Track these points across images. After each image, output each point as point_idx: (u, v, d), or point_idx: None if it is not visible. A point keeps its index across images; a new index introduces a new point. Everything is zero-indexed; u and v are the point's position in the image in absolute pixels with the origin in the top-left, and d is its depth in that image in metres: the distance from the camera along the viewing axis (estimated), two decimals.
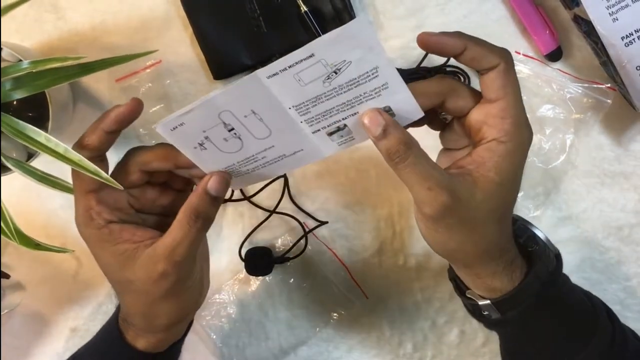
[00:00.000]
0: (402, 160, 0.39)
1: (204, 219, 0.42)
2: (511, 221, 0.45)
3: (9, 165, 0.50)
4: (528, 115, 0.62)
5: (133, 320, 0.48)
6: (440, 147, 0.48)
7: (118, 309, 0.51)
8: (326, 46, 0.35)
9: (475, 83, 0.63)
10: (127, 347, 0.48)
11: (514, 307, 0.45)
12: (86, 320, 0.69)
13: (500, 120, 0.41)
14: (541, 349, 0.47)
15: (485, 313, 0.46)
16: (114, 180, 0.44)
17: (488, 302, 0.45)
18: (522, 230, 0.48)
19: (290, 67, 0.36)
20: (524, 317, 0.45)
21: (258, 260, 0.66)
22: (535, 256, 0.46)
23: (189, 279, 0.45)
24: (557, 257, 0.48)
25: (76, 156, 0.47)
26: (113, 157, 0.66)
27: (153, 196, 0.48)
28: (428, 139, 0.45)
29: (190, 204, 0.42)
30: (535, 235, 0.48)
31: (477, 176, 0.40)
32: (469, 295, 0.47)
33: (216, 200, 0.43)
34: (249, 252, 0.66)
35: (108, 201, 0.44)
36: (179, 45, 0.64)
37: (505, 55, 0.40)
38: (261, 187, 0.65)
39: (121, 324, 0.50)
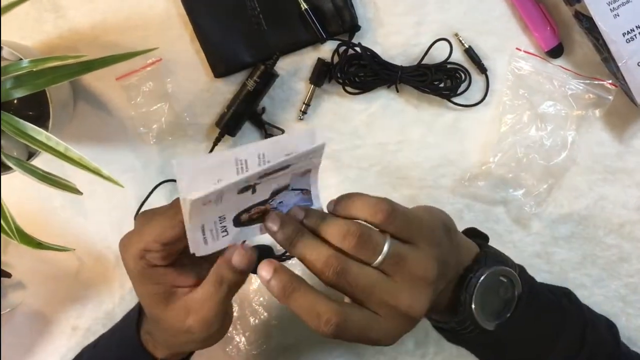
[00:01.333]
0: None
1: (229, 285, 0.42)
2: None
3: (10, 164, 0.50)
4: (529, 112, 0.62)
5: (157, 339, 0.49)
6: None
7: (136, 314, 0.52)
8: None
9: (476, 81, 0.63)
10: (148, 357, 0.50)
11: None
12: (87, 319, 0.69)
13: None
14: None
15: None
16: (117, 180, 0.44)
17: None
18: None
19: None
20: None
21: (259, 259, 0.66)
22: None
23: (216, 333, 0.45)
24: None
25: (76, 155, 0.47)
26: (114, 156, 0.66)
27: None
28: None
29: (216, 270, 0.42)
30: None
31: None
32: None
33: (240, 272, 0.42)
34: None
35: (169, 251, 0.43)
36: (179, 43, 0.64)
37: None
38: None
39: (143, 336, 0.50)
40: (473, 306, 0.45)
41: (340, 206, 0.43)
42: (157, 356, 0.49)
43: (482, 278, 0.45)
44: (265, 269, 0.40)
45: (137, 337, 0.50)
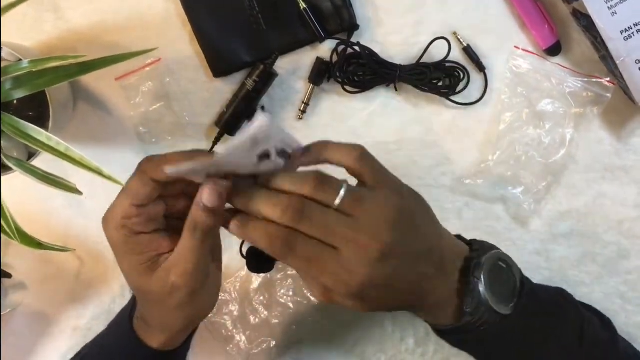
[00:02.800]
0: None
1: (203, 231, 0.42)
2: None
3: (10, 165, 0.50)
4: (528, 110, 0.62)
5: (150, 322, 0.49)
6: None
7: (130, 305, 0.52)
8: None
9: (475, 80, 0.63)
10: (142, 345, 0.49)
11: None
12: (88, 319, 0.69)
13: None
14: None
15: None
16: (117, 179, 0.44)
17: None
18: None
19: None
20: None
21: (259, 258, 0.66)
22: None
23: (201, 289, 0.45)
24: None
25: (77, 154, 0.47)
26: (113, 156, 0.66)
27: (187, 204, 0.46)
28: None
29: (189, 217, 0.42)
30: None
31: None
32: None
33: (212, 212, 0.42)
34: (250, 249, 0.66)
35: (147, 214, 0.44)
36: (179, 43, 0.64)
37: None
38: None
39: (136, 323, 0.50)
40: (482, 288, 0.45)
41: (311, 154, 0.45)
42: (153, 345, 0.49)
43: (484, 259, 0.46)
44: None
45: (130, 324, 0.50)
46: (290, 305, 0.68)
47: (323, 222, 0.41)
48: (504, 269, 0.48)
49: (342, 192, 0.41)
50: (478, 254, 0.47)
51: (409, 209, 0.44)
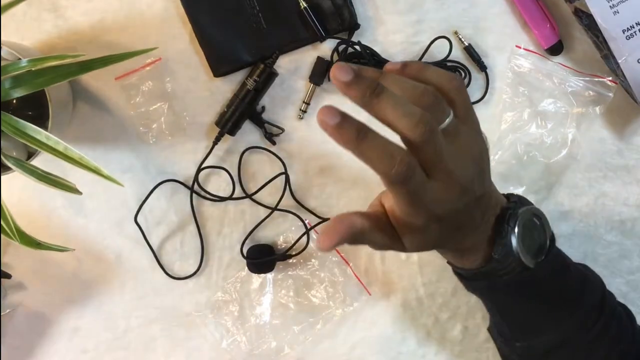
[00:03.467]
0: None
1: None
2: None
3: (9, 165, 0.50)
4: (529, 110, 0.62)
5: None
6: None
7: None
8: None
9: (476, 79, 0.63)
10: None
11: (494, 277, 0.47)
12: (88, 319, 0.69)
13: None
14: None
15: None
16: (116, 179, 0.43)
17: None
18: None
19: None
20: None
21: (260, 258, 0.66)
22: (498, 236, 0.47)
23: None
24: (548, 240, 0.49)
25: (76, 154, 0.46)
26: (113, 156, 0.66)
27: None
28: None
29: None
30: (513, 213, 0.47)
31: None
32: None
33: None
34: (250, 249, 0.66)
35: None
36: (179, 42, 0.63)
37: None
38: (262, 184, 0.65)
39: None
40: (515, 239, 0.45)
41: (412, 68, 0.43)
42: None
43: (520, 210, 0.46)
44: (330, 114, 0.37)
45: None
46: (291, 305, 0.68)
47: (440, 144, 0.39)
48: (536, 225, 0.48)
49: (450, 116, 0.40)
50: (515, 206, 0.47)
51: (487, 153, 0.45)
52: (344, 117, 0.37)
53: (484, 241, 0.46)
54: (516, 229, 0.46)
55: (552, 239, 0.49)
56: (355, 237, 0.41)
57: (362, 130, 0.37)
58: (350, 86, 0.38)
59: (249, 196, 0.66)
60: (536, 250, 0.48)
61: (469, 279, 0.50)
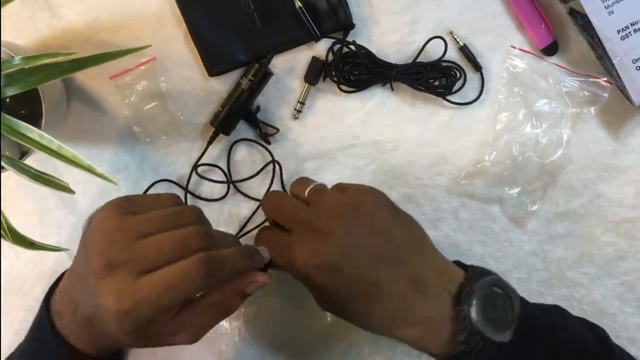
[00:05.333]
0: None
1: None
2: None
3: (2, 164, 0.49)
4: (524, 110, 0.62)
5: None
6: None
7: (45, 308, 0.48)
8: None
9: (471, 79, 0.63)
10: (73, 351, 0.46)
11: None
12: None
13: None
14: None
15: None
16: (110, 178, 0.43)
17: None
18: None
19: None
20: None
21: None
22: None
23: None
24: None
25: (70, 152, 0.46)
26: (108, 155, 0.66)
27: None
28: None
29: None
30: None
31: None
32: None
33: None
34: None
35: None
36: (173, 42, 0.63)
37: None
38: (254, 177, 0.65)
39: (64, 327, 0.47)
40: (475, 316, 0.44)
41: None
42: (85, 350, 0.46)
43: (476, 286, 0.45)
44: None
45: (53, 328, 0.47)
46: (288, 305, 0.67)
47: (290, 210, 0.51)
48: (499, 294, 0.47)
49: (311, 186, 0.52)
50: (470, 281, 0.46)
51: (365, 209, 0.48)
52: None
53: (444, 322, 0.45)
54: (474, 307, 0.44)
55: (521, 303, 0.47)
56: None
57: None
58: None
59: (232, 182, 0.64)
60: (506, 321, 0.46)
61: None
